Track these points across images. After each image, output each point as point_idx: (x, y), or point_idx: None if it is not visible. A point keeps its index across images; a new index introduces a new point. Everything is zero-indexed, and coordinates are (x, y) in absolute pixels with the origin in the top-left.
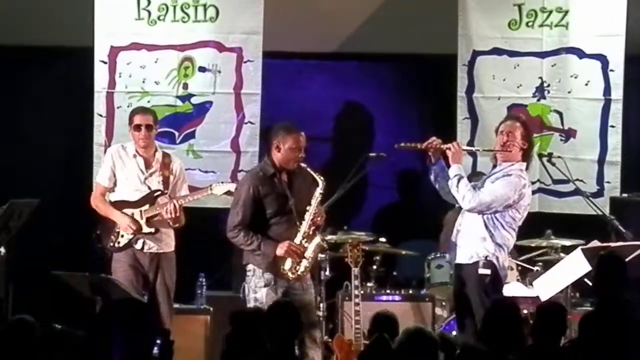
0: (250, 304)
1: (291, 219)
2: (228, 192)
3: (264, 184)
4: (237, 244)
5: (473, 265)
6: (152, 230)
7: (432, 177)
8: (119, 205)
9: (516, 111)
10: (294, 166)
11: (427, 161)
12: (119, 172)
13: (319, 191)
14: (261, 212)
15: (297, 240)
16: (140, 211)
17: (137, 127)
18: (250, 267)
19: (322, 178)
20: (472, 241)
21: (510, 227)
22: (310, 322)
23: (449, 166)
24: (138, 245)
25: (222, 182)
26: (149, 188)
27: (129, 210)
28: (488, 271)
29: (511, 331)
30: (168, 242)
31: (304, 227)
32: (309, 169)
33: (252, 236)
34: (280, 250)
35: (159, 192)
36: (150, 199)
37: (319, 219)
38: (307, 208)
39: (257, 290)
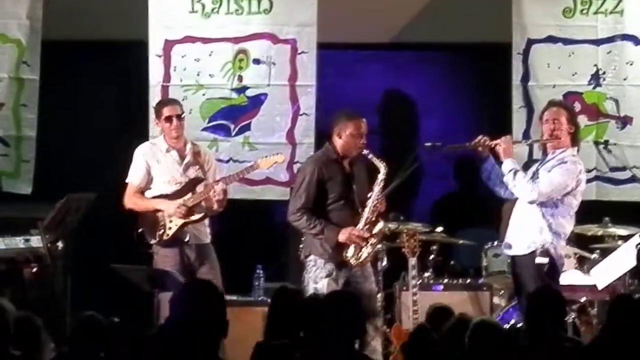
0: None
1: (353, 206)
2: (275, 164)
3: (328, 168)
4: (299, 228)
5: (530, 255)
6: (202, 215)
7: (484, 176)
8: (160, 199)
9: (572, 99)
10: (355, 153)
11: (478, 160)
12: (154, 169)
13: (381, 177)
14: (324, 196)
15: (360, 226)
16: (184, 200)
17: (168, 119)
18: (311, 257)
19: (384, 164)
20: (528, 231)
21: (568, 214)
22: (372, 310)
23: (499, 162)
24: (186, 238)
25: (266, 156)
26: (189, 178)
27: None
28: (545, 260)
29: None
30: (207, 233)
31: (366, 213)
32: (370, 156)
33: (315, 220)
34: (343, 236)
35: (197, 180)
36: (190, 187)
37: (381, 205)
38: (369, 195)
39: (318, 280)
